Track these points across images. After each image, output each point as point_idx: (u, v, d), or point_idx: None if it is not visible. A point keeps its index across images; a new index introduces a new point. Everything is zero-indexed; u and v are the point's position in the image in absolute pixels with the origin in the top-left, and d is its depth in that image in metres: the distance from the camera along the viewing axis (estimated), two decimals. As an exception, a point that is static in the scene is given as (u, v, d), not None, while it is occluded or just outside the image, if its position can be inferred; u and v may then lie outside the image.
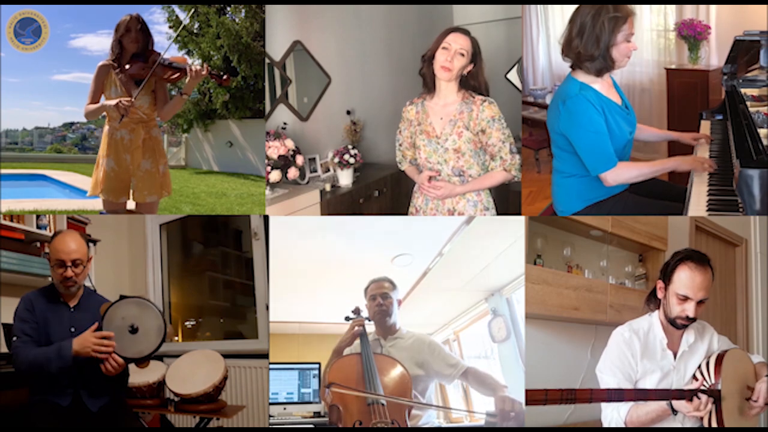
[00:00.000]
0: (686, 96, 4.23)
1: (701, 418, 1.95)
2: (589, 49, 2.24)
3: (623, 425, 1.96)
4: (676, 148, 4.34)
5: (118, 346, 2.17)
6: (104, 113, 2.82)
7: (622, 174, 2.33)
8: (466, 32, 2.42)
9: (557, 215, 2.64)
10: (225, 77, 2.74)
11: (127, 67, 2.75)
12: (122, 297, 2.26)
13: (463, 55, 2.38)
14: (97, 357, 2.13)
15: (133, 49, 2.77)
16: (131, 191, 2.88)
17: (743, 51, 2.96)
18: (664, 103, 4.64)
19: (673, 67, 4.66)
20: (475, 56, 2.42)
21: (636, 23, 2.29)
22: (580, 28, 2.25)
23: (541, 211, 4.06)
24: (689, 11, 4.46)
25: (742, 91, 2.81)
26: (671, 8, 4.69)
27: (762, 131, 2.17)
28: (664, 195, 2.58)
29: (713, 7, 4.32)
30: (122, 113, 2.67)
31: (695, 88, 4.22)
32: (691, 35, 4.36)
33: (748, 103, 2.60)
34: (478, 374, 2.61)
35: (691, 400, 1.91)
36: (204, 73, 2.67)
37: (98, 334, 2.15)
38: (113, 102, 2.68)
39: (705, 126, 3.08)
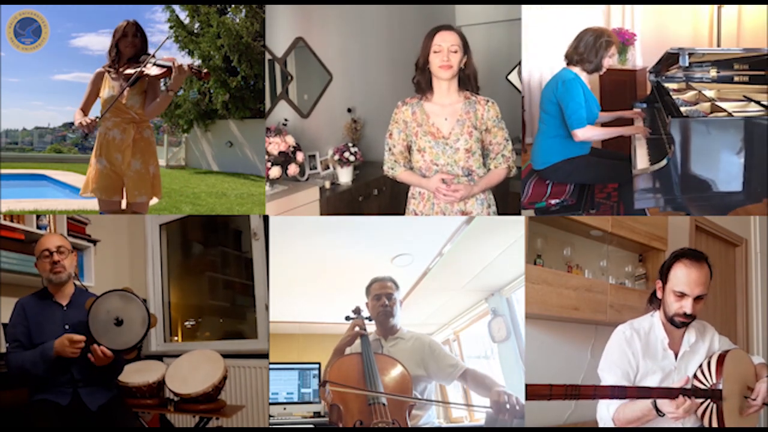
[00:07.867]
0: (617, 91, 4.91)
1: (701, 418, 1.95)
2: (590, 56, 3.25)
3: (612, 423, 1.97)
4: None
5: (105, 338, 2.28)
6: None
7: (588, 132, 3.20)
8: (449, 27, 2.43)
9: (534, 170, 3.40)
10: (205, 72, 2.82)
11: (121, 69, 2.86)
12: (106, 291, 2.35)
13: (455, 51, 2.39)
14: (72, 356, 2.24)
15: (129, 53, 2.87)
16: (124, 190, 2.94)
17: (666, 57, 3.96)
18: (598, 98, 4.94)
19: (604, 68, 5.18)
20: (466, 47, 2.44)
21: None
22: (585, 43, 3.25)
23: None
24: (617, 20, 5.20)
25: (665, 85, 3.77)
26: (601, 18, 5.28)
27: (682, 109, 3.16)
28: (614, 156, 3.56)
29: (638, 17, 5.14)
30: (85, 131, 2.77)
31: (624, 85, 4.91)
32: (620, 41, 4.98)
33: (672, 94, 3.56)
34: (477, 375, 2.60)
35: (677, 398, 1.90)
36: (185, 68, 2.76)
37: (69, 339, 2.25)
38: (76, 122, 2.80)
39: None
